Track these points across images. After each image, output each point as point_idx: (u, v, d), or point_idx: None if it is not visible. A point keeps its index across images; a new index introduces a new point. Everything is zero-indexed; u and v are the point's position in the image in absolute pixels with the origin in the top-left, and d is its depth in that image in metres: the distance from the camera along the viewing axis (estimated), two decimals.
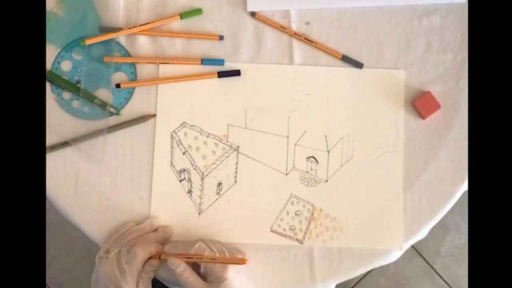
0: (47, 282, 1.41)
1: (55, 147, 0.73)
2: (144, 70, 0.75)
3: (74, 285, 1.42)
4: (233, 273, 0.64)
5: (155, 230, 0.71)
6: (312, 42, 0.75)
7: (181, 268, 0.65)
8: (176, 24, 0.76)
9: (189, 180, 0.74)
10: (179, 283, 0.66)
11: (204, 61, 0.75)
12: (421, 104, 0.74)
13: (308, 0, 0.76)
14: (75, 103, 0.75)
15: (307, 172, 0.74)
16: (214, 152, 0.74)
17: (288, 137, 0.75)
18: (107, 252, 0.68)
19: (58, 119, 0.74)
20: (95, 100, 0.74)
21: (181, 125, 0.74)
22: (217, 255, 0.66)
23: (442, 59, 0.76)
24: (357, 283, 1.41)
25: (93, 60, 0.75)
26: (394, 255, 0.74)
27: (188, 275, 0.65)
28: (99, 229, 0.73)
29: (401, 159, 0.74)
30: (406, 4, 0.76)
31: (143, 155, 0.74)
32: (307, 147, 0.75)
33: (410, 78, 0.75)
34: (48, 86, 0.75)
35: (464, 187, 0.74)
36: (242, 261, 0.63)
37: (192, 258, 0.65)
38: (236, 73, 0.75)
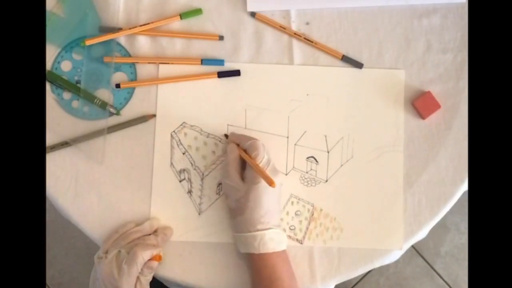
0: (47, 282, 1.41)
1: (55, 147, 0.73)
2: (144, 70, 0.75)
3: (74, 285, 1.42)
4: (266, 183, 0.65)
5: (155, 231, 0.71)
6: (312, 42, 0.75)
7: (231, 155, 0.68)
8: (176, 24, 0.76)
9: (189, 180, 0.74)
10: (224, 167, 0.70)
11: (204, 61, 0.75)
12: (421, 104, 0.74)
13: (308, 0, 0.76)
14: (75, 103, 0.75)
15: (307, 172, 0.74)
16: (214, 152, 0.74)
17: (288, 137, 0.75)
18: (106, 252, 0.68)
19: (58, 119, 0.74)
20: (95, 100, 0.74)
21: (181, 125, 0.74)
22: (264, 161, 0.67)
23: (442, 59, 0.76)
24: (357, 283, 1.41)
25: (93, 60, 0.75)
26: (394, 255, 0.74)
27: (232, 164, 0.68)
28: (99, 229, 0.73)
29: (401, 159, 0.74)
30: (406, 4, 0.76)
31: (143, 155, 0.74)
32: (307, 147, 0.75)
33: (410, 78, 0.75)
34: (48, 86, 0.75)
35: (464, 187, 0.74)
36: (270, 182, 0.64)
37: (243, 152, 0.68)
38: (236, 73, 0.75)
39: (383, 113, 0.75)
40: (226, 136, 0.73)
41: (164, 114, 0.74)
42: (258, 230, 0.65)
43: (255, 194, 0.65)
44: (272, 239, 0.66)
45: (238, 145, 0.70)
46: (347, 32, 0.76)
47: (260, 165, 0.66)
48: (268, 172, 0.66)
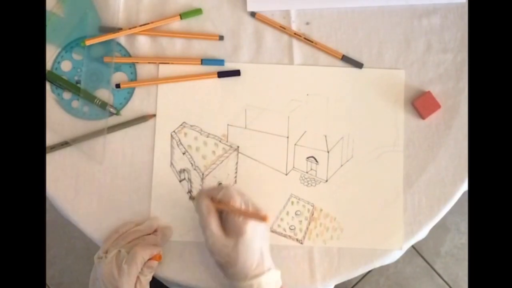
0: (47, 282, 1.41)
1: (55, 147, 0.73)
2: (144, 70, 0.75)
3: (74, 285, 1.42)
4: (252, 228, 0.62)
5: (155, 231, 0.71)
6: (312, 42, 0.75)
7: (206, 212, 0.63)
8: (176, 24, 0.76)
9: (189, 180, 0.74)
10: (200, 225, 0.64)
11: (204, 61, 0.75)
12: (421, 104, 0.74)
13: (308, 0, 0.76)
14: (75, 103, 0.75)
15: (307, 172, 0.74)
16: (214, 152, 0.74)
17: (288, 137, 0.75)
18: (106, 252, 0.68)
19: (58, 119, 0.74)
20: (95, 100, 0.74)
21: (181, 125, 0.74)
22: (243, 206, 0.64)
23: (442, 59, 0.76)
24: (357, 283, 1.41)
25: (93, 60, 0.75)
26: (394, 255, 0.74)
27: (212, 221, 0.63)
28: (99, 229, 0.73)
29: (401, 159, 0.74)
30: (406, 4, 0.76)
31: (143, 155, 0.74)
32: (307, 147, 0.75)
33: (410, 78, 0.75)
34: (48, 86, 0.75)
35: (464, 187, 0.74)
36: (264, 218, 0.61)
37: (219, 204, 0.64)
38: (236, 73, 0.75)
39: (383, 113, 0.75)
40: (192, 198, 0.71)
41: (164, 114, 0.74)
42: (253, 278, 0.62)
43: (244, 246, 0.61)
44: (268, 283, 0.63)
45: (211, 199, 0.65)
46: (347, 32, 0.76)
47: (243, 207, 0.63)
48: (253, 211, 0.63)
